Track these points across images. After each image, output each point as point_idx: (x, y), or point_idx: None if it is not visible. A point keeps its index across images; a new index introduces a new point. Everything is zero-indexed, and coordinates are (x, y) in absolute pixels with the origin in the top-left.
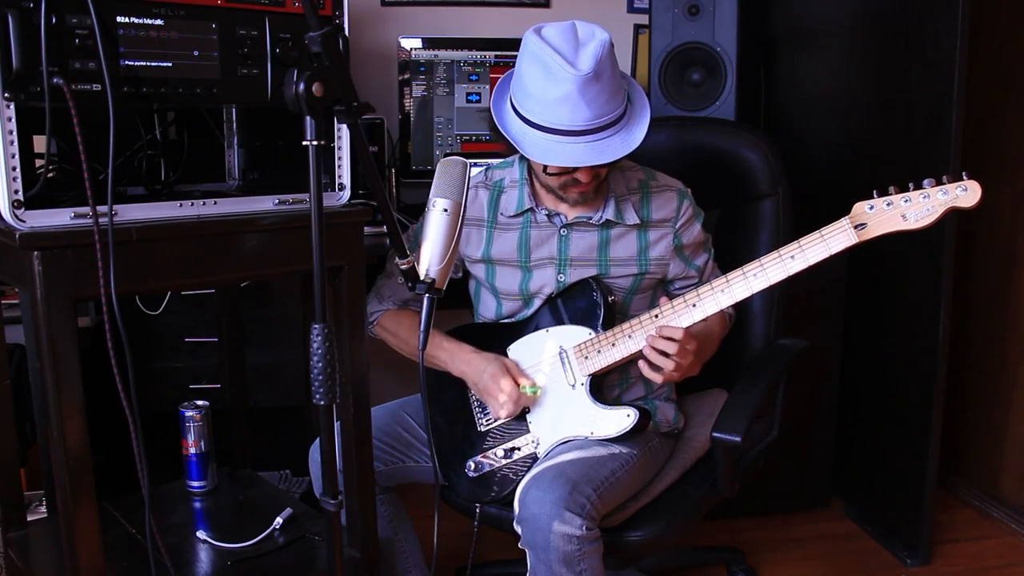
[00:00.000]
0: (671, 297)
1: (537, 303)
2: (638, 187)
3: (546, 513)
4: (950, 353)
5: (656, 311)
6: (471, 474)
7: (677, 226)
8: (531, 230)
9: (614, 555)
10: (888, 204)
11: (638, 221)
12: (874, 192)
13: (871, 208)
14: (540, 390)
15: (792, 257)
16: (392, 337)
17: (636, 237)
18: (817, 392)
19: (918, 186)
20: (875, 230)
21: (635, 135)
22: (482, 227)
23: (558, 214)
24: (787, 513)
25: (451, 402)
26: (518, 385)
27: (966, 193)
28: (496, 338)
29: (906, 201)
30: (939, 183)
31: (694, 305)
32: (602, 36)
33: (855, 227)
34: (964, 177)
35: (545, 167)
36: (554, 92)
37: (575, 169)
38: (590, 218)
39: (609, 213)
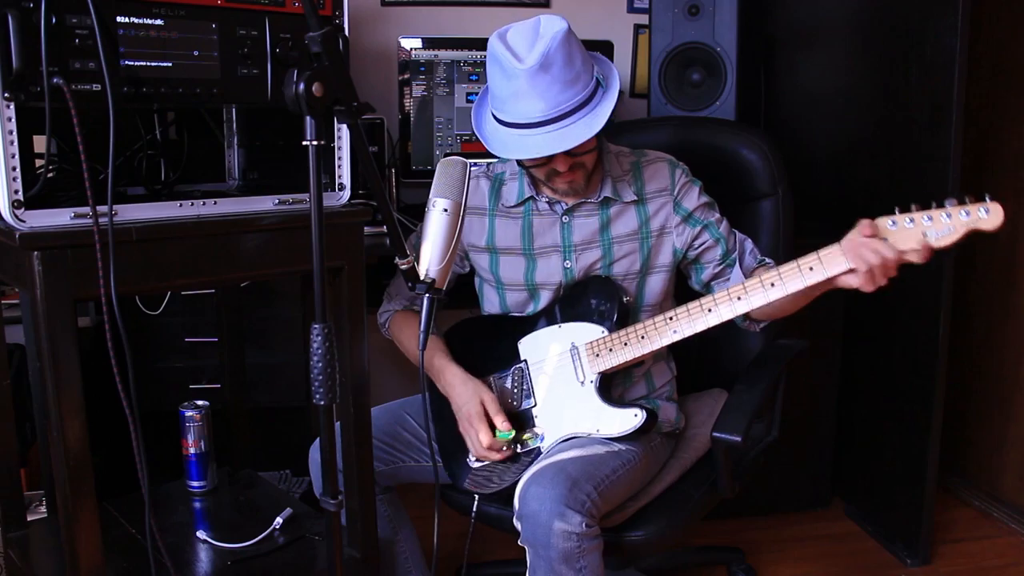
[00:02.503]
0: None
1: (545, 295)
2: (630, 167)
3: (546, 510)
4: (950, 353)
5: (671, 314)
6: (473, 464)
7: (675, 193)
8: (533, 218)
9: (614, 555)
10: (910, 221)
11: (635, 197)
12: (896, 209)
13: (893, 224)
14: (513, 434)
15: (811, 268)
16: (397, 342)
17: (635, 212)
18: (817, 392)
19: (939, 205)
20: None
21: (599, 118)
22: (484, 215)
23: (558, 201)
24: (787, 513)
25: None
26: (494, 432)
27: (988, 216)
28: (507, 331)
29: (928, 219)
30: (961, 203)
31: (709, 310)
32: (557, 28)
33: None
34: (987, 199)
35: (519, 161)
36: (509, 88)
37: (550, 159)
38: (589, 199)
39: (607, 191)
